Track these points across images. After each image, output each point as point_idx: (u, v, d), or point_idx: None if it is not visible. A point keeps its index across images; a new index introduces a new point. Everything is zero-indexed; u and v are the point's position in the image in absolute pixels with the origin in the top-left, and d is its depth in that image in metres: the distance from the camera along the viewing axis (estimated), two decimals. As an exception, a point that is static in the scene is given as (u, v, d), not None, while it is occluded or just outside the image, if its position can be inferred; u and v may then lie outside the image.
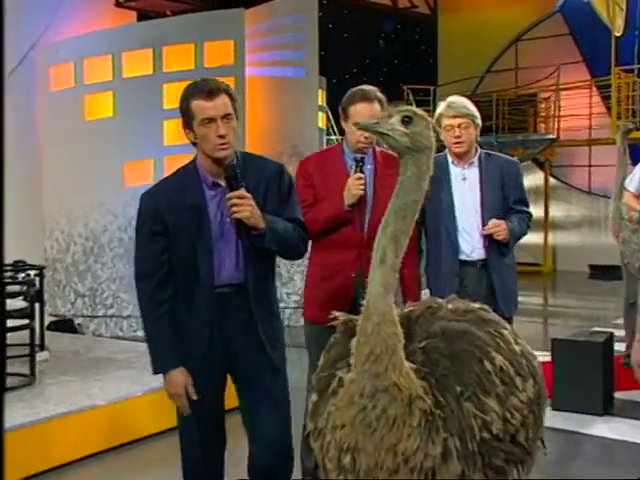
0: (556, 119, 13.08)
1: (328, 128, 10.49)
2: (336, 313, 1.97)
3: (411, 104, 9.98)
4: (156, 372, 2.26)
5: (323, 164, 2.93)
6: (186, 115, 2.29)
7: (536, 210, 12.88)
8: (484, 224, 3.17)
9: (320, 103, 8.86)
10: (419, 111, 1.79)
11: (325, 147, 8.25)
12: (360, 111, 2.89)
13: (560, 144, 13.04)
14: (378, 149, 3.04)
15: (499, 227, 3.14)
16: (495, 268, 3.19)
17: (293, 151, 7.63)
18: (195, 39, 7.22)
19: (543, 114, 13.65)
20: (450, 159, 3.26)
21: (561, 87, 13.08)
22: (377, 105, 2.90)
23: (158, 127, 7.11)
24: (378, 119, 1.80)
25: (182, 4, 9.84)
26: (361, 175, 2.88)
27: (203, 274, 2.23)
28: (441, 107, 3.22)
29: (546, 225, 13.59)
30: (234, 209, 2.24)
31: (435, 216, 3.17)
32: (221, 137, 2.26)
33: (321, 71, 8.45)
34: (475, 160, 3.25)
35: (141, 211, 2.36)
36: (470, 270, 3.19)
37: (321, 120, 9.23)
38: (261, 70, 7.96)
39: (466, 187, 3.22)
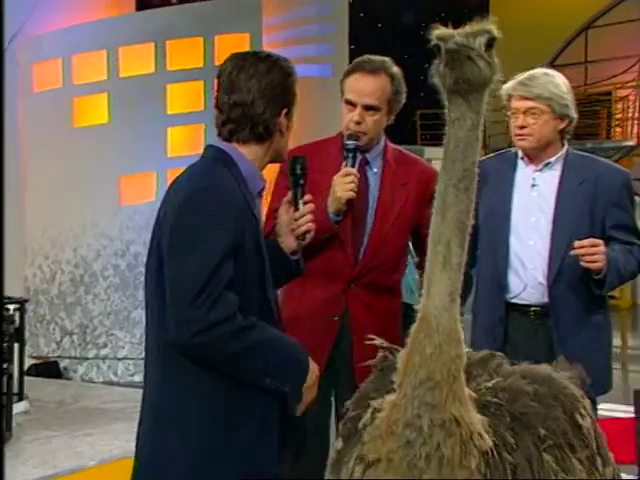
0: (635, 122, 13.03)
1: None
2: None
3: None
4: (305, 374, 2.03)
5: (312, 158, 2.41)
6: None
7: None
8: (552, 254, 2.72)
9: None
10: (499, 34, 1.70)
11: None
12: (356, 85, 2.66)
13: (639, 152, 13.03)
14: (391, 146, 2.79)
15: (595, 249, 2.62)
16: (565, 324, 2.69)
17: (319, 162, 7.73)
18: (204, 32, 7.37)
19: (619, 116, 13.62)
20: (520, 154, 2.89)
21: (641, 84, 13.07)
22: (385, 80, 2.67)
23: (161, 135, 7.25)
24: (462, 37, 1.65)
25: (189, -10, 10.01)
26: (351, 170, 2.60)
27: None
28: (510, 84, 2.81)
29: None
30: None
31: (479, 234, 2.75)
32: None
33: (351, 68, 8.55)
34: (556, 161, 2.85)
35: None
36: (519, 319, 2.76)
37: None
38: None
39: (534, 196, 2.83)
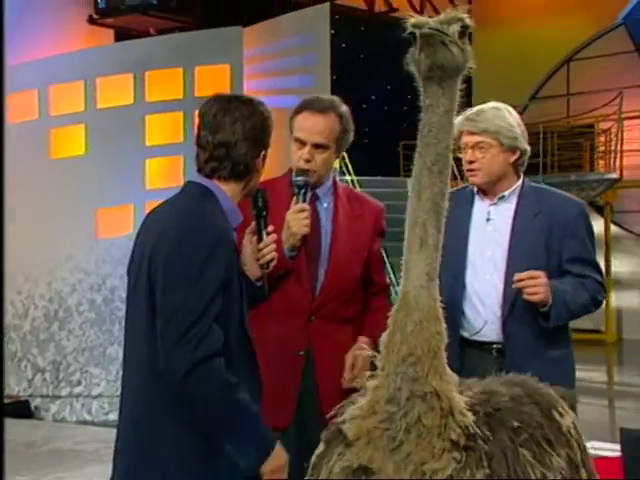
0: (618, 155, 13.18)
1: (342, 167, 10.64)
2: None
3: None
4: (266, 455, 2.13)
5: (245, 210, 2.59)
6: None
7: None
8: (506, 289, 2.71)
9: (332, 138, 9.03)
10: (472, 22, 1.76)
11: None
12: (305, 124, 2.73)
13: (623, 185, 13.14)
14: (340, 183, 2.91)
15: (534, 281, 2.63)
16: (519, 361, 2.58)
17: (300, 195, 7.76)
18: (184, 63, 7.43)
19: (602, 149, 13.76)
20: (475, 190, 2.92)
21: (624, 116, 13.18)
22: (334, 119, 2.75)
23: (139, 167, 7.26)
24: (436, 24, 1.71)
25: (168, 21, 10.12)
26: (305, 206, 2.69)
27: None
28: (459, 119, 2.78)
29: (607, 283, 13.54)
30: None
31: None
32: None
33: (333, 100, 8.64)
34: (511, 194, 2.86)
35: None
36: (479, 356, 2.72)
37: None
38: (263, 100, 8.16)
39: (489, 231, 2.85)
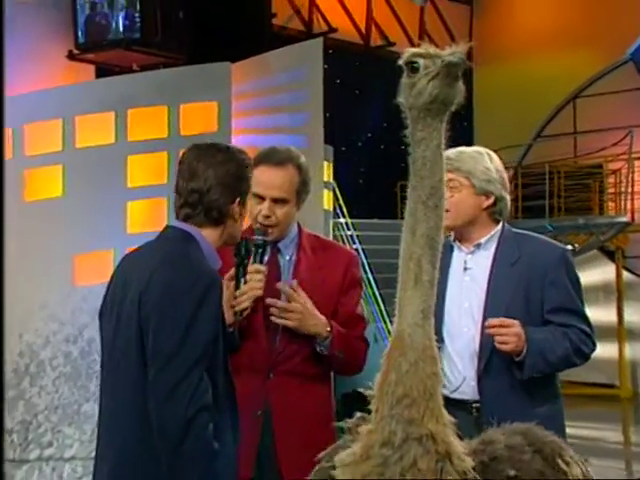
0: (629, 197, 13.23)
1: (335, 209, 10.69)
2: None
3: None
4: None
5: (224, 256, 2.67)
6: None
7: (607, 314, 12.85)
8: (482, 342, 2.71)
9: (325, 179, 9.08)
10: (465, 60, 1.86)
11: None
12: (262, 178, 2.80)
13: (635, 229, 13.18)
14: (306, 232, 2.98)
15: (505, 329, 2.64)
16: (500, 420, 2.34)
17: (291, 240, 7.78)
18: (168, 100, 7.48)
19: (612, 191, 13.82)
20: (452, 237, 2.96)
21: (634, 156, 13.29)
22: (292, 171, 2.84)
23: (120, 210, 7.26)
24: (428, 51, 1.81)
25: (152, 57, 10.20)
26: (261, 268, 2.74)
27: None
28: None
29: (621, 334, 13.44)
30: None
31: None
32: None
33: (327, 139, 8.70)
34: (488, 242, 2.90)
35: None
36: (460, 416, 2.55)
37: (327, 200, 9.40)
38: (252, 139, 8.20)
39: (467, 281, 2.88)
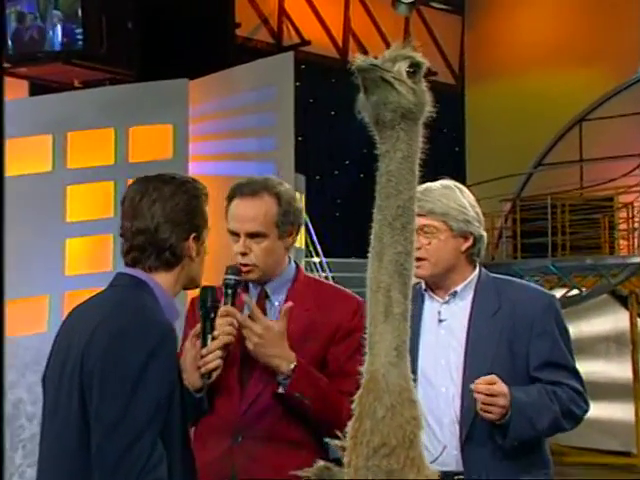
0: (643, 234, 13.29)
1: (308, 247, 10.69)
2: None
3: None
4: None
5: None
6: None
7: (621, 369, 12.83)
8: (463, 404, 2.72)
9: (297, 212, 9.09)
10: (424, 61, 1.93)
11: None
12: (236, 212, 2.87)
13: (650, 270, 13.22)
14: (306, 275, 3.00)
15: (490, 398, 2.64)
16: None
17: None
18: (115, 122, 7.46)
19: (623, 227, 13.88)
20: (423, 286, 2.97)
21: (648, 188, 13.40)
22: (268, 201, 2.86)
23: (57, 249, 7.18)
24: (379, 61, 1.89)
25: (97, 72, 10.15)
26: (230, 309, 2.75)
27: None
28: None
29: (637, 392, 13.35)
30: None
31: None
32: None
33: (298, 166, 8.71)
34: (465, 289, 2.92)
35: None
36: None
37: (298, 237, 9.41)
38: (212, 166, 8.19)
39: (442, 334, 2.89)
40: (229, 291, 2.77)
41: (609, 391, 12.06)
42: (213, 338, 2.59)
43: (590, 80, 14.88)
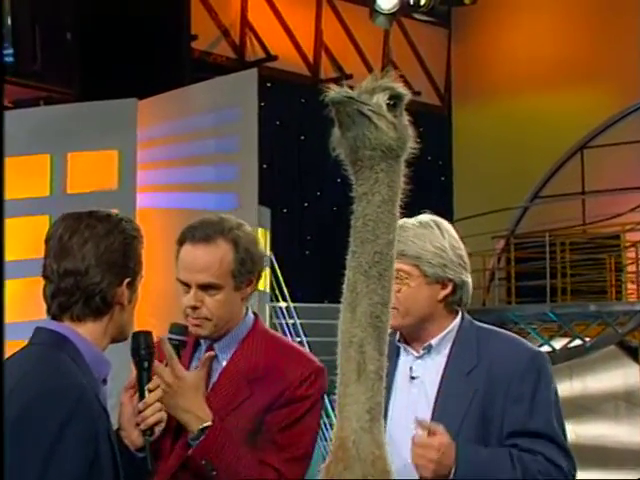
0: (654, 277, 13.34)
1: (273, 290, 10.65)
2: None
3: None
4: None
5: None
6: None
7: (631, 431, 12.80)
8: None
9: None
10: (406, 92, 1.97)
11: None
12: (186, 260, 2.87)
13: (662, 318, 13.25)
14: (263, 331, 3.01)
15: (422, 441, 2.67)
16: None
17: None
18: (51, 147, 7.43)
19: (631, 269, 13.94)
20: (397, 337, 2.97)
21: (659, 224, 13.46)
22: (223, 248, 2.86)
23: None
24: (355, 93, 1.91)
25: (29, 89, 10.11)
26: (167, 378, 2.76)
27: None
28: None
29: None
30: None
31: None
32: None
33: (262, 198, 8.70)
34: (441, 342, 2.92)
35: None
36: None
37: (262, 279, 9.38)
38: (164, 199, 8.17)
39: (413, 393, 2.91)
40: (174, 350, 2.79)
41: (619, 457, 12.03)
42: (150, 390, 2.60)
43: (593, 102, 15.01)
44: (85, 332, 2.36)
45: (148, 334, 2.66)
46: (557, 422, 2.84)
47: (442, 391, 2.83)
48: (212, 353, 2.84)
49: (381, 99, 1.94)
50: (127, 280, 2.40)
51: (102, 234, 2.39)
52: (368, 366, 1.87)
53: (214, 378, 2.89)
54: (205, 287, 2.84)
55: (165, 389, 2.72)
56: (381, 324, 1.90)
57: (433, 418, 2.79)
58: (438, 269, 2.86)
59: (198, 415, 2.75)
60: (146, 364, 2.62)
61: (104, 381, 2.41)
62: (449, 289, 2.88)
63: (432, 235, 2.89)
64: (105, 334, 2.40)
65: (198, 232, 2.87)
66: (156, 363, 2.74)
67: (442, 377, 2.85)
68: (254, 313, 3.01)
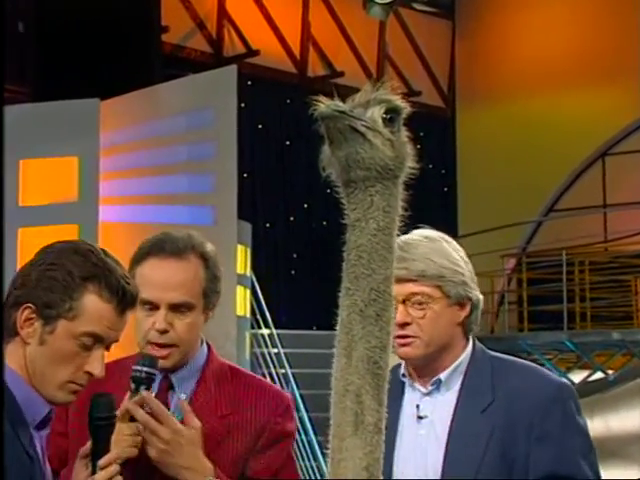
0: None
1: (254, 315, 10.64)
2: None
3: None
4: None
5: (92, 390, 2.68)
6: None
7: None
8: None
9: (239, 271, 9.08)
10: (405, 105, 1.97)
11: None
12: (154, 276, 2.86)
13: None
14: (218, 360, 3.03)
15: None
16: None
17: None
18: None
19: (660, 292, 13.95)
20: (402, 370, 2.96)
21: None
22: (196, 264, 2.89)
23: None
24: (347, 107, 1.90)
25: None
26: (132, 407, 2.76)
27: None
28: None
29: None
30: None
31: None
32: None
33: (242, 211, 8.69)
34: (452, 375, 2.92)
35: None
36: None
37: (241, 302, 9.36)
38: (130, 212, 8.15)
39: (421, 435, 2.90)
40: (141, 386, 2.76)
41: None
42: (101, 468, 2.57)
43: (614, 104, 15.06)
44: (14, 365, 2.38)
45: (108, 398, 2.61)
46: (588, 464, 2.80)
47: (454, 431, 2.81)
48: (183, 396, 2.84)
49: (376, 113, 1.92)
50: (28, 306, 2.40)
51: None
52: (366, 418, 1.86)
53: (178, 417, 2.86)
54: (176, 307, 2.83)
55: (163, 447, 2.72)
56: (380, 371, 1.90)
57: (445, 462, 2.78)
58: (460, 288, 2.85)
59: (200, 471, 2.76)
60: (102, 434, 2.59)
61: (40, 425, 2.40)
62: (468, 309, 2.88)
63: (445, 250, 2.88)
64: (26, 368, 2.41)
65: (168, 246, 2.87)
66: (149, 419, 2.73)
67: (454, 416, 2.83)
68: (207, 343, 3.01)
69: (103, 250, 2.50)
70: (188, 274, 2.85)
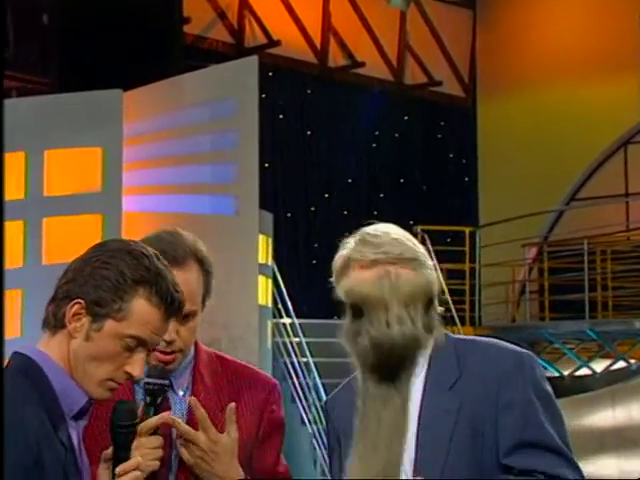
0: None
1: (276, 304, 10.65)
2: None
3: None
4: None
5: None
6: None
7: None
8: None
9: (261, 260, 9.06)
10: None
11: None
12: None
13: None
14: (205, 351, 3.05)
15: None
16: None
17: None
18: (26, 144, 7.43)
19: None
20: None
21: None
22: (196, 270, 2.90)
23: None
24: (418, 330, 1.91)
25: (5, 79, 10.17)
26: (165, 419, 2.79)
27: None
28: (349, 246, 2.84)
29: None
30: None
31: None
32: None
33: (264, 201, 8.67)
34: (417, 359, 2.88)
35: None
36: None
37: (262, 291, 9.35)
38: (153, 202, 8.14)
39: None
40: (157, 399, 2.79)
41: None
42: (119, 475, 2.56)
43: (636, 92, 14.97)
44: (56, 355, 2.44)
45: (130, 405, 2.64)
46: (554, 428, 2.77)
47: (425, 409, 2.77)
48: (193, 398, 2.84)
49: (420, 307, 2.06)
50: (78, 301, 2.45)
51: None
52: None
53: (182, 414, 2.91)
54: (184, 317, 2.83)
55: (202, 456, 2.76)
56: None
57: (419, 439, 2.74)
58: (429, 273, 2.81)
59: (232, 478, 2.79)
60: (122, 441, 2.59)
61: (78, 416, 2.43)
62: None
63: (406, 236, 2.84)
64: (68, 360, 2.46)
65: (170, 254, 2.82)
66: (189, 429, 2.76)
67: (423, 396, 2.79)
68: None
69: (156, 254, 2.52)
70: (192, 285, 2.85)
